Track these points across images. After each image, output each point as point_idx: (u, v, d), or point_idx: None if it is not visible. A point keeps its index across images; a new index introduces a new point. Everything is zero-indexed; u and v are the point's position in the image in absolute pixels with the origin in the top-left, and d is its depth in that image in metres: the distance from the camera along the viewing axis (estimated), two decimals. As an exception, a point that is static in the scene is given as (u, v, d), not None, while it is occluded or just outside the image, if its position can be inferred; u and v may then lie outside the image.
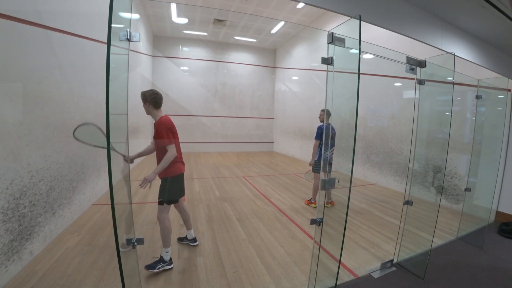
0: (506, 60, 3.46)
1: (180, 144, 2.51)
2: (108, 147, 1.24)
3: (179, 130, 2.68)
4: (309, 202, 4.18)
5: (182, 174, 2.48)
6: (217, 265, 2.35)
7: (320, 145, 3.83)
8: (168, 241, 2.29)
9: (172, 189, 2.38)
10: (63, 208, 2.87)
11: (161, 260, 2.25)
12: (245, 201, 4.30)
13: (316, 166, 3.88)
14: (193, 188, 5.02)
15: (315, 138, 3.89)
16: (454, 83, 2.39)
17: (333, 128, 3.09)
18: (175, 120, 2.71)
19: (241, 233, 3.04)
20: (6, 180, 1.96)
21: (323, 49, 1.79)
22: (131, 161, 2.21)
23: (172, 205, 2.46)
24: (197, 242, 2.72)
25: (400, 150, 5.42)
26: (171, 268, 2.28)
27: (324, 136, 3.25)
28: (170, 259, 2.30)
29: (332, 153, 3.54)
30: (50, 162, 2.58)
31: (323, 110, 3.76)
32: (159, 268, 2.20)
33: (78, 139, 2.02)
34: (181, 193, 2.52)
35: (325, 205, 3.75)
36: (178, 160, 2.40)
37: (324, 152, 3.47)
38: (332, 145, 3.49)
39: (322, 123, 3.83)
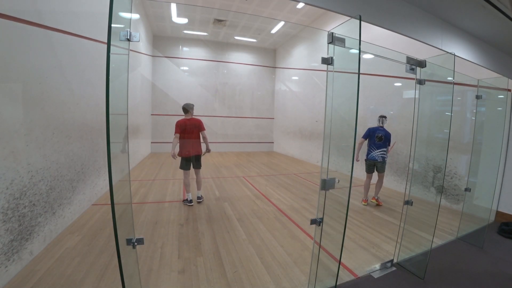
0: (506, 60, 3.46)
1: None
2: (108, 147, 1.24)
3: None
4: (374, 199, 4.34)
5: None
6: (217, 265, 2.35)
7: (369, 144, 4.23)
8: (200, 186, 4.21)
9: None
10: (63, 208, 2.87)
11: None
12: (245, 201, 4.30)
13: (384, 166, 4.21)
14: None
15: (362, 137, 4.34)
16: (454, 83, 2.39)
17: (384, 131, 4.07)
18: (176, 120, 3.53)
19: (241, 233, 3.04)
20: (6, 180, 1.96)
21: (323, 49, 1.79)
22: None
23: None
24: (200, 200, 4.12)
25: (400, 150, 5.43)
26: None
27: (369, 137, 4.18)
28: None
29: (383, 154, 4.10)
30: (50, 162, 2.58)
31: (380, 116, 4.21)
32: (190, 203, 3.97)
33: None
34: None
35: (371, 200, 4.31)
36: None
37: (370, 153, 4.19)
38: (380, 146, 4.07)
39: (374, 126, 4.24)
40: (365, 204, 4.30)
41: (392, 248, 2.77)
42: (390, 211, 4.03)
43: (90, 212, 3.46)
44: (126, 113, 1.54)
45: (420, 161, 2.69)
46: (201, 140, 3.98)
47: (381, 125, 4.16)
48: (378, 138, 4.10)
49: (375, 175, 4.31)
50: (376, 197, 4.31)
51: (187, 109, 3.90)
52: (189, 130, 3.86)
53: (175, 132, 3.82)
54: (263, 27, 9.64)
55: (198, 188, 4.15)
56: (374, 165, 4.22)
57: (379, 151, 4.10)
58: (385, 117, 4.19)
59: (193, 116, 3.95)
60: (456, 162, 4.34)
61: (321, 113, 8.07)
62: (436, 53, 2.41)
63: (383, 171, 4.21)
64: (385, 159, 4.14)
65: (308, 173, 6.96)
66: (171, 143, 3.80)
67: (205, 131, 3.98)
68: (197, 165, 4.07)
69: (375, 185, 4.36)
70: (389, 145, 4.14)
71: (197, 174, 4.12)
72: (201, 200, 4.12)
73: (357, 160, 4.23)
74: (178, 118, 3.90)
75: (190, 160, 3.98)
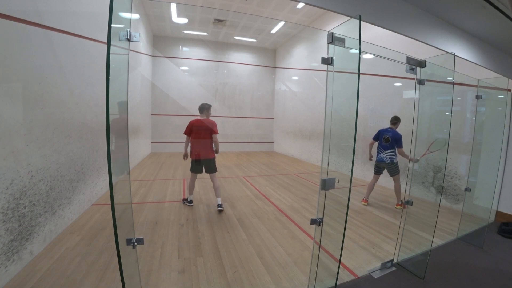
0: (506, 60, 3.46)
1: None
2: (108, 147, 1.24)
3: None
4: (398, 205, 4.25)
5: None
6: (217, 265, 2.35)
7: (378, 146, 4.25)
8: (219, 192, 3.85)
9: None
10: (63, 208, 2.87)
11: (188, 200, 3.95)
12: (245, 201, 4.30)
13: (394, 168, 4.13)
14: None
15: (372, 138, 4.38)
16: (454, 83, 2.39)
17: (392, 132, 4.06)
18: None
19: (241, 233, 3.04)
20: (6, 180, 1.96)
21: (323, 49, 1.79)
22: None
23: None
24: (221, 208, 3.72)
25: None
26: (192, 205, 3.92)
27: (379, 139, 4.21)
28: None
29: (391, 155, 4.06)
30: (50, 162, 2.58)
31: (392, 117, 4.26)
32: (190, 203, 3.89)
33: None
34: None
35: (396, 207, 4.20)
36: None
37: (379, 154, 4.21)
38: (387, 148, 4.07)
39: (386, 128, 4.24)
40: (365, 204, 4.30)
41: (392, 248, 2.77)
42: (390, 211, 4.03)
43: (90, 212, 3.46)
44: (126, 113, 1.54)
45: (420, 161, 2.69)
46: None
47: (390, 126, 4.17)
48: (384, 139, 4.12)
49: (382, 178, 4.30)
50: (399, 203, 4.21)
51: (200, 109, 3.78)
52: (198, 131, 3.68)
53: (184, 133, 3.73)
54: (263, 27, 9.64)
55: (217, 195, 3.81)
56: (382, 167, 4.23)
57: (386, 153, 4.10)
58: (395, 118, 4.17)
59: (209, 118, 3.78)
60: (456, 162, 4.34)
61: (321, 113, 8.07)
62: (436, 53, 2.41)
63: (394, 173, 4.13)
64: (394, 160, 4.10)
65: (308, 173, 6.96)
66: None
67: (216, 135, 3.74)
68: (209, 170, 3.80)
69: (394, 191, 4.29)
70: (397, 146, 4.03)
71: (211, 179, 3.86)
72: (221, 209, 3.70)
73: (370, 159, 4.42)
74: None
75: (200, 163, 3.77)
